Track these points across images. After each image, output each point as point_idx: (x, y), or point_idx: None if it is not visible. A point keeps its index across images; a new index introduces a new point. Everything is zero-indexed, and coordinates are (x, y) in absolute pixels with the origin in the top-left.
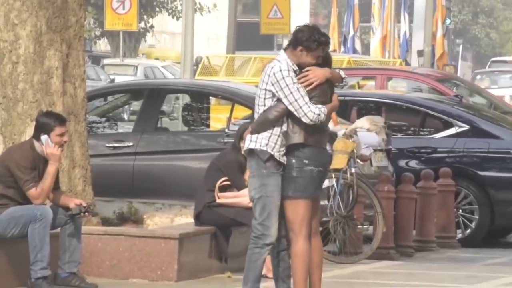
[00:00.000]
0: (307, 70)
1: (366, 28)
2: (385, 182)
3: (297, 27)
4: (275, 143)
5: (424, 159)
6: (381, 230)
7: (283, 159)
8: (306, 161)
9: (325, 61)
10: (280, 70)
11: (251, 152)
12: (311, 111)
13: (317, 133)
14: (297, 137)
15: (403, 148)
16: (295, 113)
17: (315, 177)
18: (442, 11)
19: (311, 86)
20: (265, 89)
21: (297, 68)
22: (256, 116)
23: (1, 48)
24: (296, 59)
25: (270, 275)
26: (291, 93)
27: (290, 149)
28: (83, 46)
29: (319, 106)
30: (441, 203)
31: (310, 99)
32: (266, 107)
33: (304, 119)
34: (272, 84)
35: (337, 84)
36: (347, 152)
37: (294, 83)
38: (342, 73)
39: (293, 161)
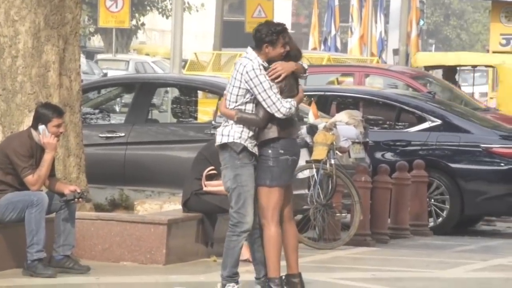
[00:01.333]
0: (275, 65)
1: (344, 28)
2: (362, 172)
3: (254, 29)
4: (248, 136)
5: (399, 151)
6: (358, 218)
7: (255, 150)
8: (282, 151)
9: (295, 56)
10: (253, 69)
11: (223, 146)
12: (283, 106)
13: (289, 125)
14: (272, 133)
15: (380, 141)
16: (268, 109)
17: (289, 165)
18: (417, 13)
19: (280, 78)
20: (239, 87)
21: (267, 65)
22: (224, 106)
23: (2, 43)
24: (265, 57)
25: None
26: (265, 90)
27: (266, 142)
28: (78, 41)
29: (289, 100)
30: (415, 193)
31: (282, 93)
32: (237, 103)
33: (277, 114)
34: (246, 82)
35: (301, 75)
36: (327, 144)
37: (266, 80)
38: (305, 65)
39: (269, 151)
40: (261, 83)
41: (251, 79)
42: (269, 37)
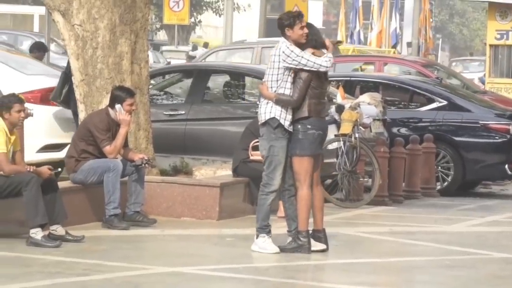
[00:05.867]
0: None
1: (366, 24)
2: (381, 144)
3: (277, 20)
4: (285, 114)
5: (412, 127)
6: (378, 182)
7: (290, 128)
8: (309, 127)
9: (311, 42)
10: (287, 47)
11: (265, 122)
12: (324, 61)
13: (318, 106)
14: (302, 112)
15: (396, 118)
16: (313, 67)
17: (316, 138)
18: (428, 13)
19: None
20: (278, 68)
21: (295, 47)
22: (265, 89)
23: (85, 37)
24: (292, 40)
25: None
26: (303, 57)
27: (298, 119)
28: (147, 36)
29: (324, 57)
30: (425, 162)
31: (311, 80)
32: (279, 82)
33: (322, 69)
34: (284, 60)
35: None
36: (352, 120)
37: (300, 51)
38: (324, 51)
39: (299, 126)
40: (297, 54)
41: (288, 55)
42: (288, 21)
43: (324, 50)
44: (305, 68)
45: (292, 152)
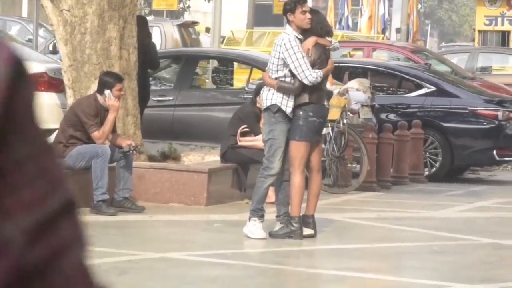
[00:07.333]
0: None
1: (355, 10)
2: (369, 130)
3: (283, 5)
4: (286, 101)
5: (400, 113)
6: (366, 168)
7: (290, 114)
8: (311, 114)
9: (317, 32)
10: (289, 41)
11: (266, 107)
12: (310, 75)
13: (318, 94)
14: (303, 98)
15: (384, 104)
16: (298, 75)
17: (316, 125)
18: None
19: (308, 50)
20: (278, 58)
21: (301, 37)
22: (267, 76)
23: (73, 22)
24: (295, 26)
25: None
26: (297, 59)
27: (299, 105)
28: (135, 21)
29: (317, 71)
30: (413, 148)
31: (314, 66)
32: (278, 72)
33: (305, 81)
34: (283, 52)
35: (328, 47)
36: (340, 106)
37: (299, 51)
38: (329, 39)
39: (301, 113)
40: (294, 53)
41: (287, 50)
42: (289, 6)
43: (329, 38)
44: (291, 69)
45: (291, 137)
